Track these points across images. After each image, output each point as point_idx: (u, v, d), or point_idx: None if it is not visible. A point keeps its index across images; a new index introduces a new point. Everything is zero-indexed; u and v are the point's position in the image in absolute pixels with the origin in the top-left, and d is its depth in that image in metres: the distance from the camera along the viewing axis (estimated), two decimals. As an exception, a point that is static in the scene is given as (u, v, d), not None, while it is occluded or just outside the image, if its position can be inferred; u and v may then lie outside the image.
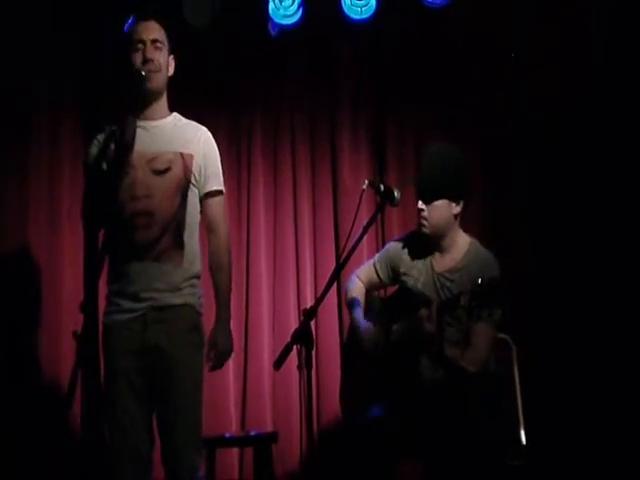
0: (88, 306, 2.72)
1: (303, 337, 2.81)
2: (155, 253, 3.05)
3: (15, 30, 4.25)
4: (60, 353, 4.18)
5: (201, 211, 3.20)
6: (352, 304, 3.66)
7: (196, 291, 3.14)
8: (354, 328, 3.61)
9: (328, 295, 3.03)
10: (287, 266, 4.50)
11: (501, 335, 3.80)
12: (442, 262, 3.50)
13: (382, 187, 3.15)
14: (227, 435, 4.17)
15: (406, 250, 3.60)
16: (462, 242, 3.51)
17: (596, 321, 4.12)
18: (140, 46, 3.11)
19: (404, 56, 4.53)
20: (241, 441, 4.24)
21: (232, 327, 4.34)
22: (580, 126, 4.25)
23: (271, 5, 4.37)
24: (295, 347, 2.82)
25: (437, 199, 3.42)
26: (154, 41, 3.12)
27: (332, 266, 4.32)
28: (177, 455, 3.02)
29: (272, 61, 4.57)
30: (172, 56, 3.20)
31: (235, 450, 4.34)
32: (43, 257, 4.26)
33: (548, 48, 4.24)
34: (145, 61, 3.08)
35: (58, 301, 4.25)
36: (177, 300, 3.07)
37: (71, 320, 4.12)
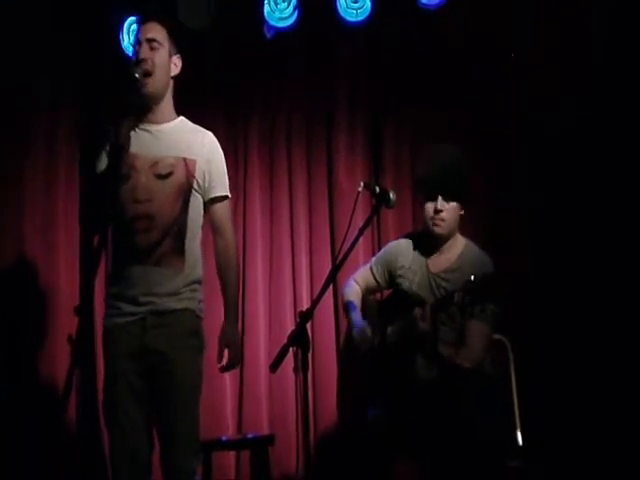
0: (83, 310, 2.72)
1: (299, 339, 2.81)
2: (155, 257, 3.05)
3: (14, 30, 4.24)
4: (56, 355, 4.17)
5: (205, 215, 3.21)
6: (349, 307, 3.66)
7: (196, 296, 3.14)
8: (351, 329, 3.62)
9: (324, 297, 3.04)
10: (283, 268, 4.49)
11: (498, 336, 3.82)
12: (437, 263, 3.51)
13: (377, 189, 3.15)
14: (224, 438, 4.17)
15: (402, 252, 3.61)
16: (458, 243, 3.53)
17: (594, 322, 4.12)
18: (137, 47, 3.11)
19: (400, 58, 4.52)
20: (238, 444, 4.23)
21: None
22: (580, 126, 4.25)
23: (266, 8, 4.36)
24: (291, 349, 2.82)
25: (454, 200, 3.44)
26: (150, 41, 3.10)
27: (328, 268, 4.33)
28: (174, 458, 3.02)
29: (268, 63, 4.56)
30: (177, 56, 3.18)
31: (232, 453, 4.33)
32: (39, 259, 4.25)
33: (548, 48, 4.24)
34: (138, 61, 3.07)
35: (54, 304, 4.24)
36: (177, 305, 3.07)
37: (67, 323, 4.14)
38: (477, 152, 4.34)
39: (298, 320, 2.89)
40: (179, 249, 3.08)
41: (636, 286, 4.12)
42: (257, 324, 4.44)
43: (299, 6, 4.36)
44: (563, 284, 4.19)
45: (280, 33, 4.42)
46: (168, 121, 3.18)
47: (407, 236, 3.74)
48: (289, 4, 4.35)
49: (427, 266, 3.51)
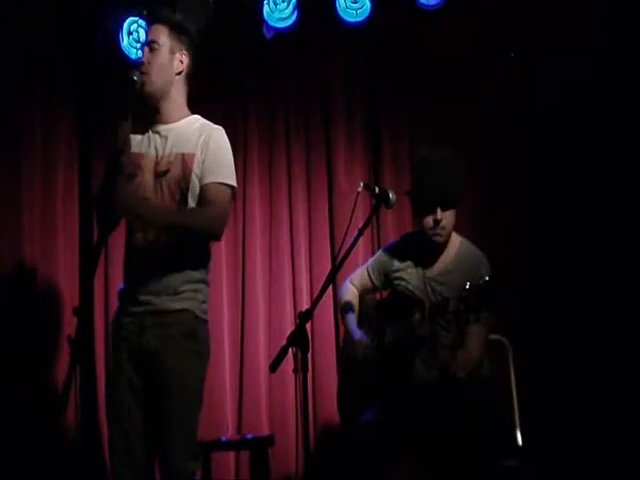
0: (83, 310, 2.71)
1: (299, 340, 2.81)
2: (154, 256, 3.03)
3: (13, 30, 4.23)
4: (56, 355, 4.17)
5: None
6: (345, 310, 3.66)
7: (198, 296, 3.05)
8: (347, 336, 3.62)
9: (324, 297, 3.03)
10: (283, 268, 4.49)
11: (497, 336, 3.81)
12: (434, 265, 3.50)
13: (377, 189, 3.15)
14: (223, 439, 4.16)
15: (398, 255, 3.60)
16: (453, 243, 3.52)
17: (593, 322, 4.12)
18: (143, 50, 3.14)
19: (399, 58, 4.53)
20: (237, 445, 4.23)
21: (228, 330, 4.41)
22: (580, 125, 4.25)
23: (266, 8, 4.37)
24: (291, 350, 2.81)
25: (452, 208, 3.43)
26: (150, 43, 3.10)
27: (328, 268, 4.33)
28: (172, 461, 3.01)
29: (268, 64, 4.56)
30: (182, 52, 3.11)
31: (231, 453, 4.34)
32: (39, 259, 4.24)
33: (548, 48, 4.24)
34: (138, 64, 3.09)
35: (54, 304, 4.24)
36: (175, 305, 3.03)
37: (67, 323, 4.13)
38: (476, 151, 4.35)
39: (298, 320, 2.88)
40: (178, 248, 3.06)
41: (636, 286, 4.12)
42: (257, 324, 4.44)
43: (298, 7, 4.36)
44: (563, 284, 4.20)
45: (279, 33, 4.42)
46: (177, 120, 3.12)
47: (404, 238, 3.73)
48: (288, 4, 4.36)
49: (423, 269, 3.51)
